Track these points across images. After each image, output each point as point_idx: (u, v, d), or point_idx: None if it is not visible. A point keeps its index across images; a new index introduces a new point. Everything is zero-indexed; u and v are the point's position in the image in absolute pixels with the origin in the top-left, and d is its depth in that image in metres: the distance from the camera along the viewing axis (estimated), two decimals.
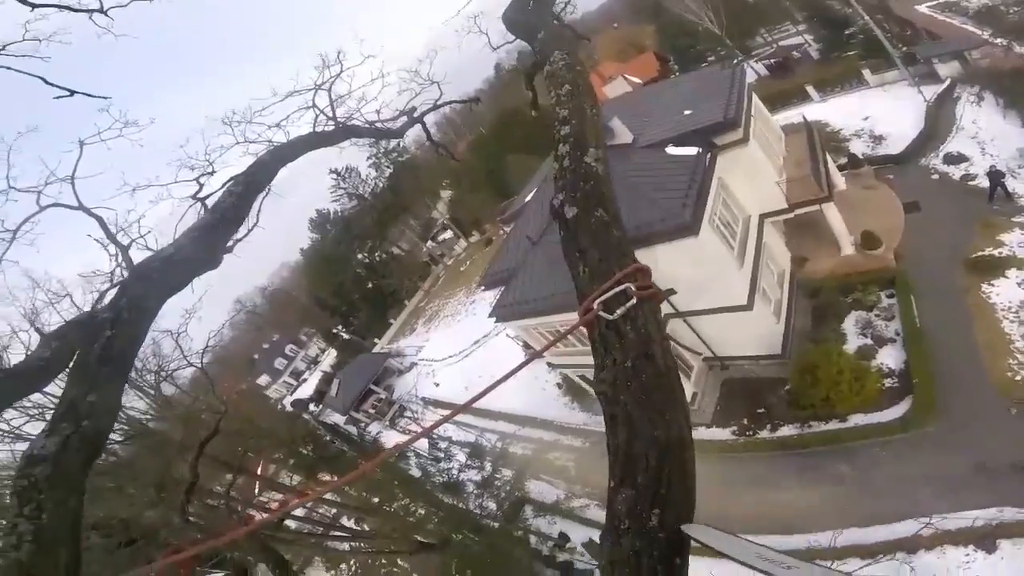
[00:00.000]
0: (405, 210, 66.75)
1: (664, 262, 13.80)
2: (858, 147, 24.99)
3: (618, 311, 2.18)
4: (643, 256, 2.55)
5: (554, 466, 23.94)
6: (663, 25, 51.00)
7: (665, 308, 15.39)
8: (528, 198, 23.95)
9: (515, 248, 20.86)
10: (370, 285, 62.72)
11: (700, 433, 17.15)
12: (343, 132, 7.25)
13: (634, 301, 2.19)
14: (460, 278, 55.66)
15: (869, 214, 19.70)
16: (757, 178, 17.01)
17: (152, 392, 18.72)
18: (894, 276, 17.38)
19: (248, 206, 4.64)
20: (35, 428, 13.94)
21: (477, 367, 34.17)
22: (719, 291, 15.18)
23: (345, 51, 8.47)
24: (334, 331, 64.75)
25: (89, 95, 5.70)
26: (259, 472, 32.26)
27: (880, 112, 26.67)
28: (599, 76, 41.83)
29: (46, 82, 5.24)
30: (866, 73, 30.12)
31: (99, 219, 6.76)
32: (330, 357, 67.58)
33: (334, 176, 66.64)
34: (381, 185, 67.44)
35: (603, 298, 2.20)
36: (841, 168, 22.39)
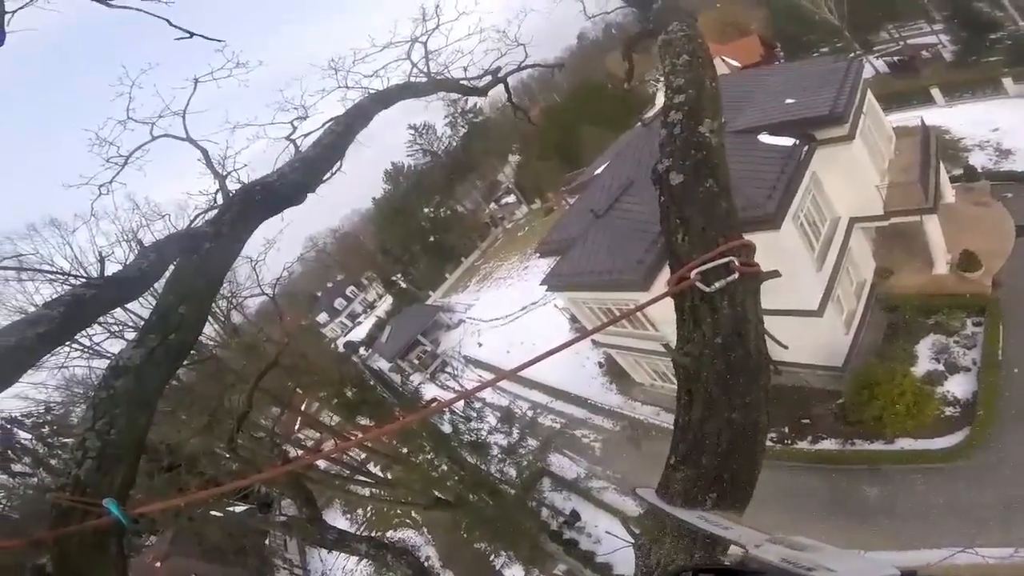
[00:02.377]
0: (473, 170, 67.55)
1: None
2: (979, 159, 22.33)
3: (716, 284, 2.10)
4: None
5: (580, 444, 24.09)
6: (774, 9, 47.23)
7: None
8: (598, 171, 23.36)
9: (577, 220, 20.56)
10: (432, 239, 64.37)
11: None
12: (434, 85, 7.33)
13: (735, 276, 2.10)
14: (517, 243, 55.89)
15: (974, 233, 17.77)
16: (855, 179, 15.75)
17: (222, 319, 19.31)
18: (986, 304, 15.79)
19: (345, 146, 4.79)
20: (115, 346, 14.39)
21: (520, 333, 34.62)
22: (790, 292, 14.35)
23: (442, 4, 8.45)
24: (393, 278, 67.38)
25: (206, 37, 6.00)
26: (302, 409, 33.58)
27: (1013, 125, 23.60)
28: None
29: (170, 24, 5.57)
30: (1007, 82, 26.52)
31: (204, 151, 7.29)
32: (386, 303, 70.49)
33: (412, 131, 68.25)
34: (454, 144, 68.22)
35: (702, 268, 2.11)
36: (954, 180, 20.23)
